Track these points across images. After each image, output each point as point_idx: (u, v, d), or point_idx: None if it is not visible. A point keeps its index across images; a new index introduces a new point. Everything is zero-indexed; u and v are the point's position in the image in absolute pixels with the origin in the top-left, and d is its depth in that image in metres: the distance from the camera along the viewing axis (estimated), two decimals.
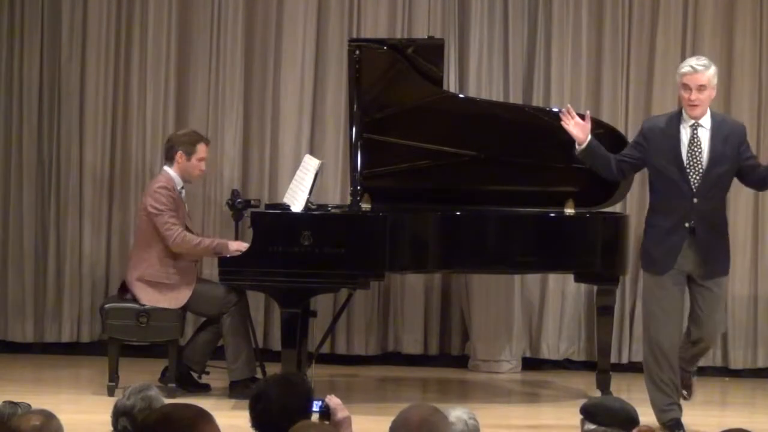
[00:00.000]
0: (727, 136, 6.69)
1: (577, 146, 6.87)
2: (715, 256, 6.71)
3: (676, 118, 6.76)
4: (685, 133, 6.70)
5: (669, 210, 6.72)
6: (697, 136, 6.68)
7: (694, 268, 6.70)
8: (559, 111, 7.09)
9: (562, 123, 6.89)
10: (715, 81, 6.72)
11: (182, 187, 7.62)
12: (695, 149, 6.67)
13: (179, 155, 7.57)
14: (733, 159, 6.69)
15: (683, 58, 8.48)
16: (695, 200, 6.66)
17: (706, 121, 6.71)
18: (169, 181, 7.55)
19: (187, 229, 7.56)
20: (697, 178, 6.66)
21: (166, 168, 7.63)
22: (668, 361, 6.74)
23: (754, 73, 8.54)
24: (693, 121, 6.69)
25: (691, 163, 6.67)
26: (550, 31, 8.64)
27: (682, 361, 6.81)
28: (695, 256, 6.67)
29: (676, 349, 6.76)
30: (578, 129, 6.88)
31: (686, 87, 6.67)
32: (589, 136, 6.87)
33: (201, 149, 7.63)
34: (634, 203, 8.47)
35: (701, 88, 6.65)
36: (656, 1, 8.61)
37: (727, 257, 6.81)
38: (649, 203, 6.95)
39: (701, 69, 6.67)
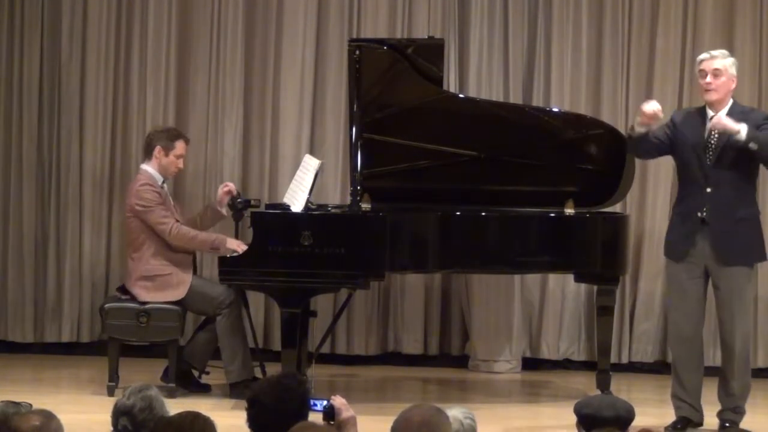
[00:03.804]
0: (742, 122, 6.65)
1: (637, 127, 6.73)
2: (728, 244, 6.65)
3: (701, 111, 6.80)
4: (705, 125, 6.71)
5: (685, 199, 6.78)
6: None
7: (707, 258, 6.68)
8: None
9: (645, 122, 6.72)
10: (733, 71, 6.74)
11: (164, 182, 7.62)
12: (712, 140, 6.68)
13: (158, 150, 7.56)
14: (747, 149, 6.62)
15: (683, 58, 8.52)
16: (708, 189, 6.66)
17: (725, 112, 6.70)
18: (149, 179, 7.55)
19: (177, 222, 7.55)
20: (710, 167, 6.67)
21: (143, 166, 7.62)
22: (682, 358, 6.79)
23: (754, 73, 8.54)
24: (713, 113, 6.70)
25: (707, 154, 6.68)
26: (550, 31, 8.64)
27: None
28: (708, 246, 6.67)
29: (694, 345, 6.76)
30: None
31: (702, 72, 6.73)
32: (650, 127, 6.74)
33: (180, 146, 7.61)
34: (634, 203, 8.48)
35: (716, 72, 6.68)
36: (656, 1, 8.61)
37: (746, 248, 6.70)
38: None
39: (717, 55, 6.73)
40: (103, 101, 8.71)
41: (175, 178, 8.56)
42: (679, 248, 6.79)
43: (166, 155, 7.57)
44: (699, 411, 6.83)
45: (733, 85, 6.77)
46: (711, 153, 6.67)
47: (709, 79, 6.69)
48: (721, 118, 6.65)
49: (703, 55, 6.80)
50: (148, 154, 7.62)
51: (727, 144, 6.61)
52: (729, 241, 6.67)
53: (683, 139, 6.78)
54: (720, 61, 6.71)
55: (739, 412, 6.80)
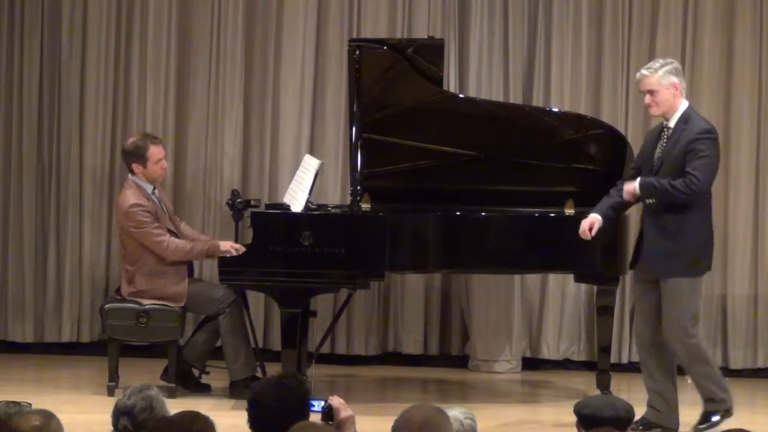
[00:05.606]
0: (679, 138, 6.64)
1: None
2: (660, 256, 6.64)
3: (661, 124, 6.82)
4: (660, 137, 6.75)
5: None
6: (665, 139, 6.72)
7: (649, 266, 6.75)
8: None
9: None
10: (668, 80, 6.66)
11: (154, 189, 7.60)
12: (658, 153, 6.72)
13: (135, 167, 7.52)
14: (681, 163, 6.61)
15: (683, 58, 8.52)
16: (647, 201, 6.71)
17: (672, 123, 6.71)
18: (137, 195, 7.48)
19: (171, 233, 7.52)
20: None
21: (131, 177, 7.57)
22: (642, 362, 6.86)
23: (754, 73, 8.54)
24: (665, 123, 6.73)
25: (654, 168, 6.71)
26: (550, 31, 8.64)
27: None
28: (646, 254, 6.74)
29: (652, 349, 6.78)
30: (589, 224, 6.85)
31: (642, 92, 6.75)
32: (598, 217, 6.82)
33: (153, 153, 7.52)
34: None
35: (650, 91, 6.67)
36: (656, 1, 8.61)
37: (679, 260, 6.62)
38: None
39: (647, 73, 6.69)
40: (103, 101, 8.71)
41: (175, 179, 8.59)
42: (633, 257, 6.94)
43: (145, 167, 7.53)
44: (657, 409, 6.80)
45: (675, 91, 6.68)
46: (656, 167, 6.68)
47: (647, 99, 6.69)
48: (626, 191, 6.72)
49: (637, 75, 6.79)
50: (130, 170, 7.59)
51: (666, 157, 6.62)
52: (660, 253, 6.65)
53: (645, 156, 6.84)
54: (653, 78, 6.65)
55: (717, 400, 6.70)
